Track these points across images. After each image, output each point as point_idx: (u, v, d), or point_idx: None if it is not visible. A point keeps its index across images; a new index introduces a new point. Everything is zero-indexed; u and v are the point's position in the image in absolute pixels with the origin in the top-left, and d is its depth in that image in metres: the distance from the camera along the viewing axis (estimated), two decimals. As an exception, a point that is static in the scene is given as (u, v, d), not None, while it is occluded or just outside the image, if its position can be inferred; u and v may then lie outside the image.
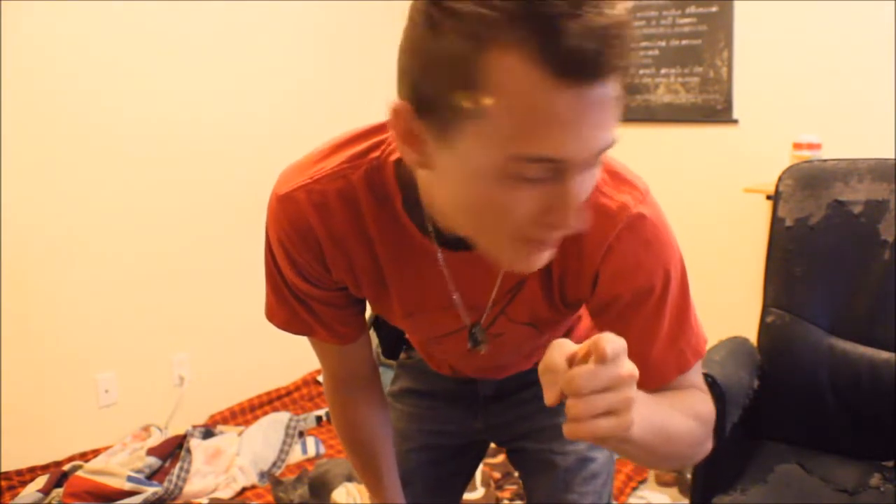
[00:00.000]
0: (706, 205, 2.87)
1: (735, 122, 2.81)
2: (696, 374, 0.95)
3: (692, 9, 2.83)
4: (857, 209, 1.90)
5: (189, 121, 2.90)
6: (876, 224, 1.88)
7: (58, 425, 2.63)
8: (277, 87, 3.20)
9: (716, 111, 2.83)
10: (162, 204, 2.85)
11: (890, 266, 1.85)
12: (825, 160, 2.00)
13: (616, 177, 0.87)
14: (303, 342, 1.08)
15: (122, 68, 2.69)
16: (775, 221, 1.99)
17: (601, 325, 0.92)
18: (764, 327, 1.97)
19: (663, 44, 2.93)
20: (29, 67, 2.47)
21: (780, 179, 2.01)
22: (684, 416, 0.86)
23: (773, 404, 1.90)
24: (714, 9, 2.78)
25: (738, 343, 1.91)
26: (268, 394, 3.22)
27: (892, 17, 2.42)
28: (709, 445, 0.92)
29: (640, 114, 3.00)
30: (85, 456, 2.63)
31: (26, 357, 2.53)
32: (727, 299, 2.81)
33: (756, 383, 1.82)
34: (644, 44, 2.96)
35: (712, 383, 1.58)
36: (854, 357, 1.86)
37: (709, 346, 1.81)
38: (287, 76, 3.23)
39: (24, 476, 2.50)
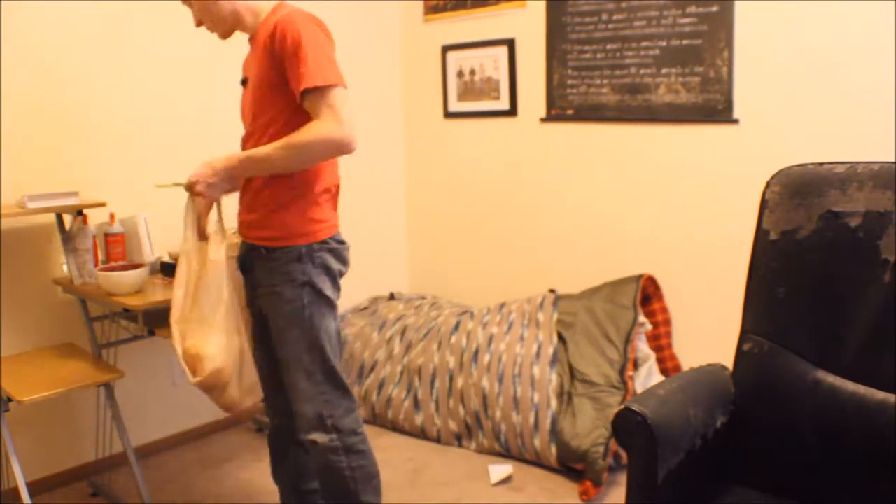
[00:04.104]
0: (706, 205, 2.82)
1: (735, 122, 2.74)
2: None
3: (692, 9, 2.79)
4: (854, 222, 1.63)
5: (191, 120, 2.90)
6: (876, 240, 1.60)
7: (59, 425, 2.63)
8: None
9: (716, 111, 2.78)
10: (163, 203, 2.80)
11: (890, 290, 1.56)
12: (820, 163, 1.72)
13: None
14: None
15: (122, 68, 2.71)
16: (759, 234, 1.72)
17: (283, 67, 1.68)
18: (740, 356, 1.70)
19: (664, 44, 2.88)
20: (29, 67, 2.48)
21: (767, 185, 1.75)
22: (271, 147, 1.67)
23: (745, 445, 1.62)
24: (714, 9, 2.74)
25: (706, 373, 1.64)
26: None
27: (893, 17, 2.36)
28: (327, 145, 1.63)
29: (641, 114, 2.96)
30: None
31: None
32: (728, 305, 2.60)
33: (721, 420, 1.54)
34: (644, 44, 2.92)
35: (641, 423, 1.30)
36: (843, 396, 1.58)
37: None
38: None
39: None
